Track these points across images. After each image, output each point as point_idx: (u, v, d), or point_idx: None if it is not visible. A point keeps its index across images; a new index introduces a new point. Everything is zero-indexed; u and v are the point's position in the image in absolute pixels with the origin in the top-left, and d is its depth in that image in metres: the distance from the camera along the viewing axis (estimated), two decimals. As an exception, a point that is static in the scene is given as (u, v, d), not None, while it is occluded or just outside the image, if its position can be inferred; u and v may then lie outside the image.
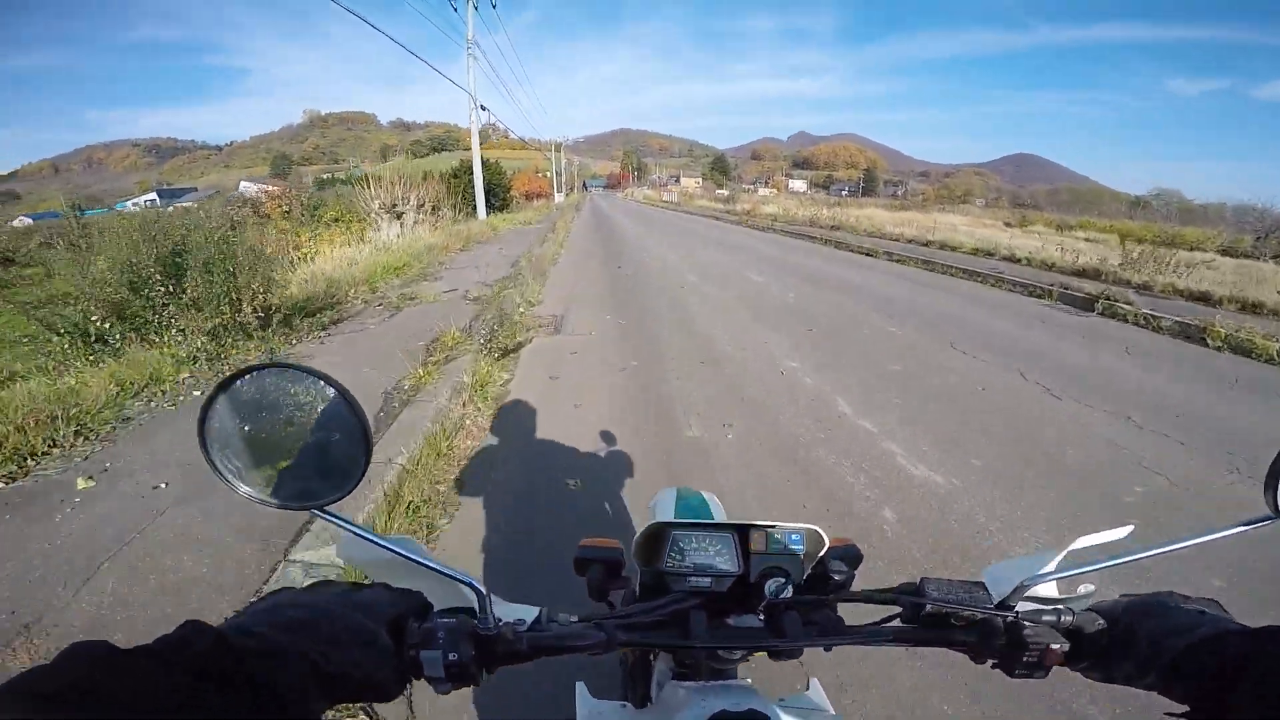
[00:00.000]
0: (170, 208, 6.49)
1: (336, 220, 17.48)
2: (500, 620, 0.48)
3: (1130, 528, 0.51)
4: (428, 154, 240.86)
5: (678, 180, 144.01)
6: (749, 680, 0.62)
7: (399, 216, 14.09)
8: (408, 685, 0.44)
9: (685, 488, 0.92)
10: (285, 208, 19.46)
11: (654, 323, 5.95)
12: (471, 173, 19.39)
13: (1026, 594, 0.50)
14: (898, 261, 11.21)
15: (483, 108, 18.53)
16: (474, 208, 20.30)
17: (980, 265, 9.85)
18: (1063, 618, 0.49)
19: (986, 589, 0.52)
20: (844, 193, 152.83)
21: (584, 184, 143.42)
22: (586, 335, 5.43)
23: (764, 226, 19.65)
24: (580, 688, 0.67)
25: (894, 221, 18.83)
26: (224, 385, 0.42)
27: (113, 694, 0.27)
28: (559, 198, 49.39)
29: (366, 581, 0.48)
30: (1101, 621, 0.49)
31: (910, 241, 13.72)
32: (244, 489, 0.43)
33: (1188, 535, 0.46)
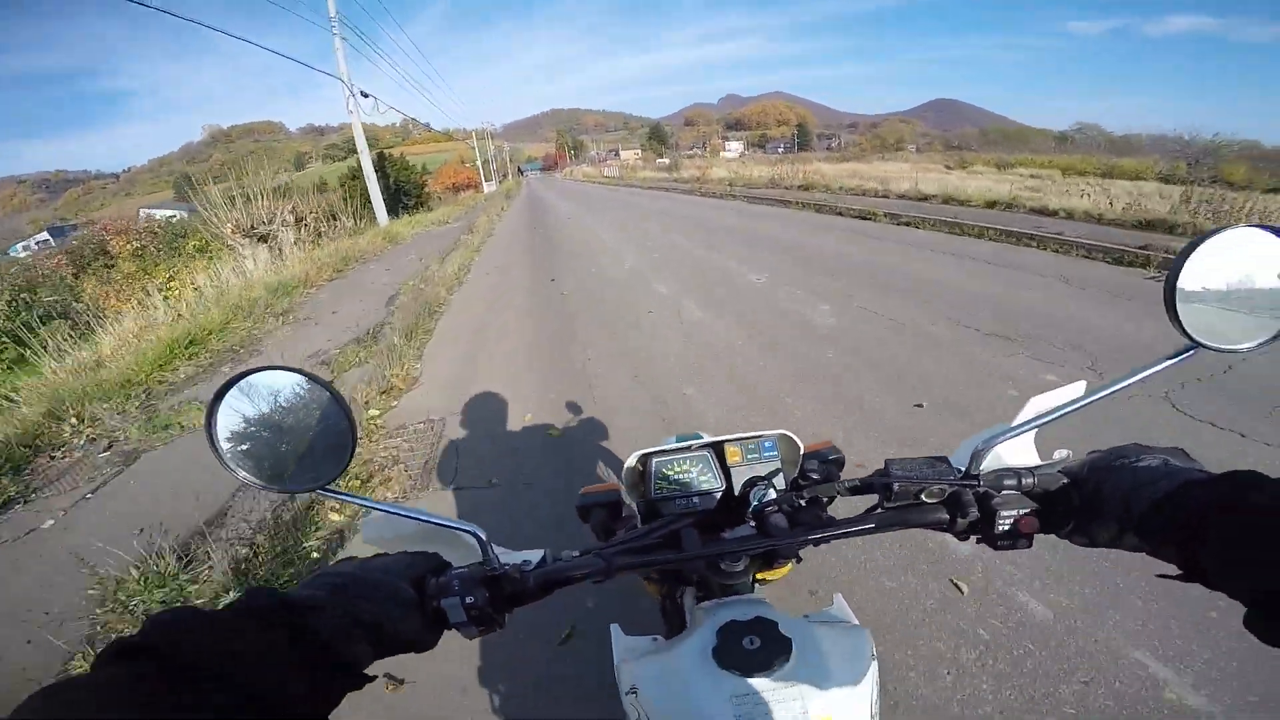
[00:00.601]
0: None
1: (201, 250, 14.24)
2: (506, 563, 0.53)
3: (1084, 384, 0.51)
4: (345, 157, 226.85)
5: (616, 154, 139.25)
6: (764, 599, 0.63)
7: (264, 240, 10.80)
8: (441, 635, 0.49)
9: (682, 433, 0.95)
10: (135, 245, 15.97)
11: (620, 438, 2.92)
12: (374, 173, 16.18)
13: (998, 468, 0.50)
14: (909, 225, 8.75)
15: (364, 93, 15.03)
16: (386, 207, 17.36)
17: (1022, 224, 7.49)
18: (1024, 479, 0.49)
19: (949, 463, 0.53)
20: (780, 150, 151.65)
21: (519, 169, 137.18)
22: (484, 489, 2.60)
23: (720, 194, 17.07)
24: (615, 629, 0.68)
25: (845, 174, 17.76)
26: (224, 389, 0.47)
27: (201, 646, 0.33)
28: (490, 187, 45.39)
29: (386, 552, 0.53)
30: (1066, 481, 0.48)
31: (902, 197, 11.38)
32: (252, 479, 0.48)
33: (1124, 376, 0.47)
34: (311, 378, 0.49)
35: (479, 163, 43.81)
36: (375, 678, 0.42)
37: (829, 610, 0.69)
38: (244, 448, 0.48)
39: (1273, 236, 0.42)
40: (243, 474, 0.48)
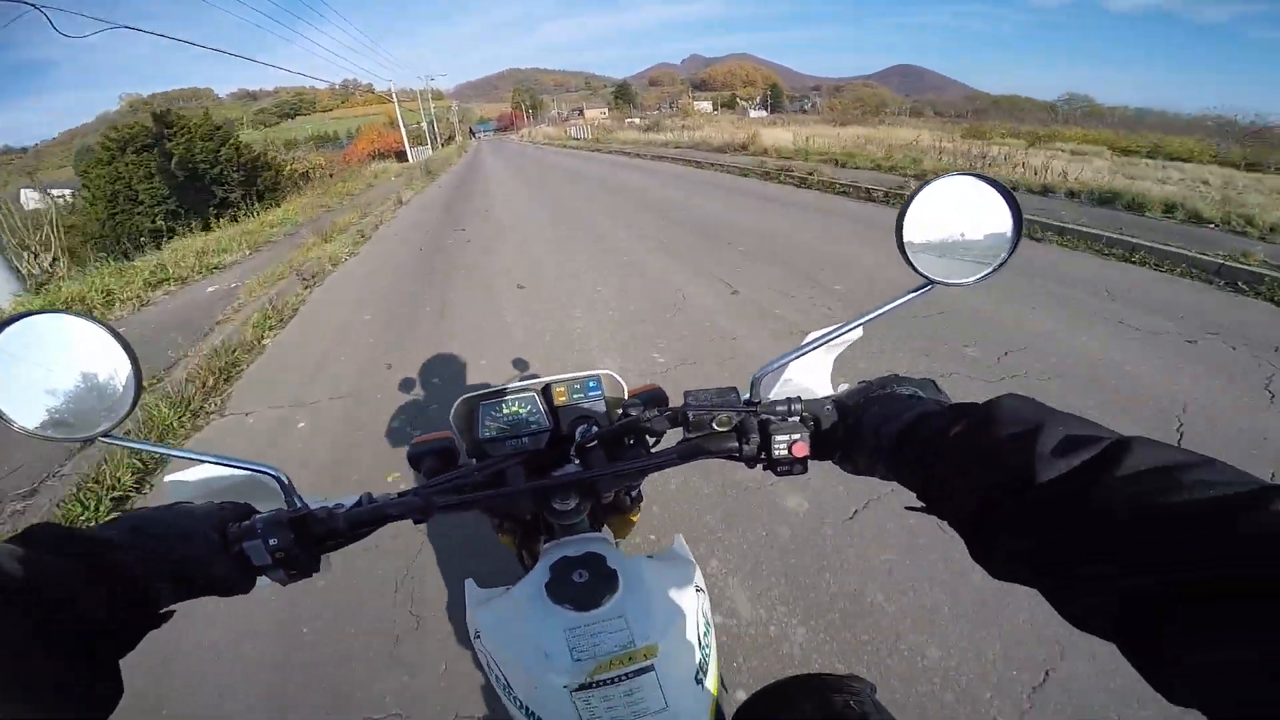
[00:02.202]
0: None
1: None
2: (315, 506, 0.51)
3: (849, 320, 0.54)
4: (277, 123, 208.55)
5: (580, 113, 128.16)
6: (604, 538, 0.64)
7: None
8: (254, 581, 0.47)
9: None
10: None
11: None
12: (151, 152, 11.63)
13: (783, 398, 0.53)
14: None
15: None
16: (168, 214, 12.43)
17: None
18: (793, 405, 0.51)
19: (737, 393, 0.55)
20: (751, 111, 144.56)
21: (470, 130, 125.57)
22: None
23: (764, 171, 10.54)
24: (469, 583, 0.67)
25: (854, 141, 15.26)
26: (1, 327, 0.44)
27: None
28: (420, 154, 36.77)
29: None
30: (833, 410, 0.51)
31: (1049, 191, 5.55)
32: (26, 425, 0.44)
33: (876, 308, 0.52)
34: (91, 319, 0.47)
35: (400, 124, 35.03)
36: (172, 614, 0.42)
37: (671, 549, 0.68)
38: (20, 393, 0.45)
39: (980, 183, 0.47)
40: (20, 423, 0.44)
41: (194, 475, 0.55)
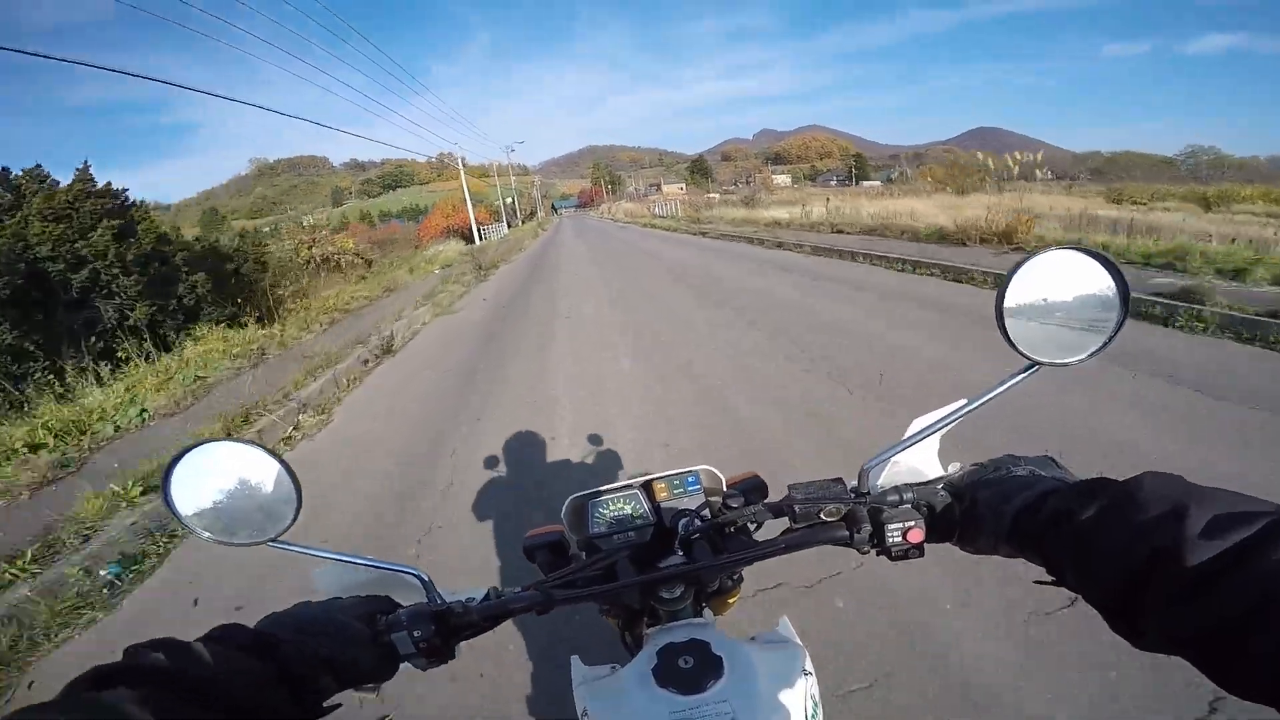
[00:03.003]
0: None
1: None
2: (450, 600, 0.57)
3: (964, 400, 0.53)
4: (380, 193, 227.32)
5: (658, 188, 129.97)
6: (707, 623, 0.66)
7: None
8: (396, 667, 0.53)
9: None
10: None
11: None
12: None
13: (891, 485, 0.54)
14: None
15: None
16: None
17: None
18: (904, 495, 0.52)
19: (844, 483, 0.57)
20: (833, 182, 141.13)
21: (553, 206, 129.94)
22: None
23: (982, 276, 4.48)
24: (575, 660, 0.71)
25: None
26: (179, 456, 0.51)
27: (188, 673, 0.35)
28: (496, 231, 34.79)
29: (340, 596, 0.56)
30: (947, 496, 0.52)
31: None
32: (208, 535, 0.52)
33: (984, 393, 0.51)
34: (256, 445, 0.54)
35: (466, 199, 31.03)
36: (339, 707, 0.45)
37: (775, 631, 0.71)
38: (200, 506, 0.52)
39: (1084, 257, 0.46)
40: (201, 531, 0.52)
41: (338, 567, 0.58)
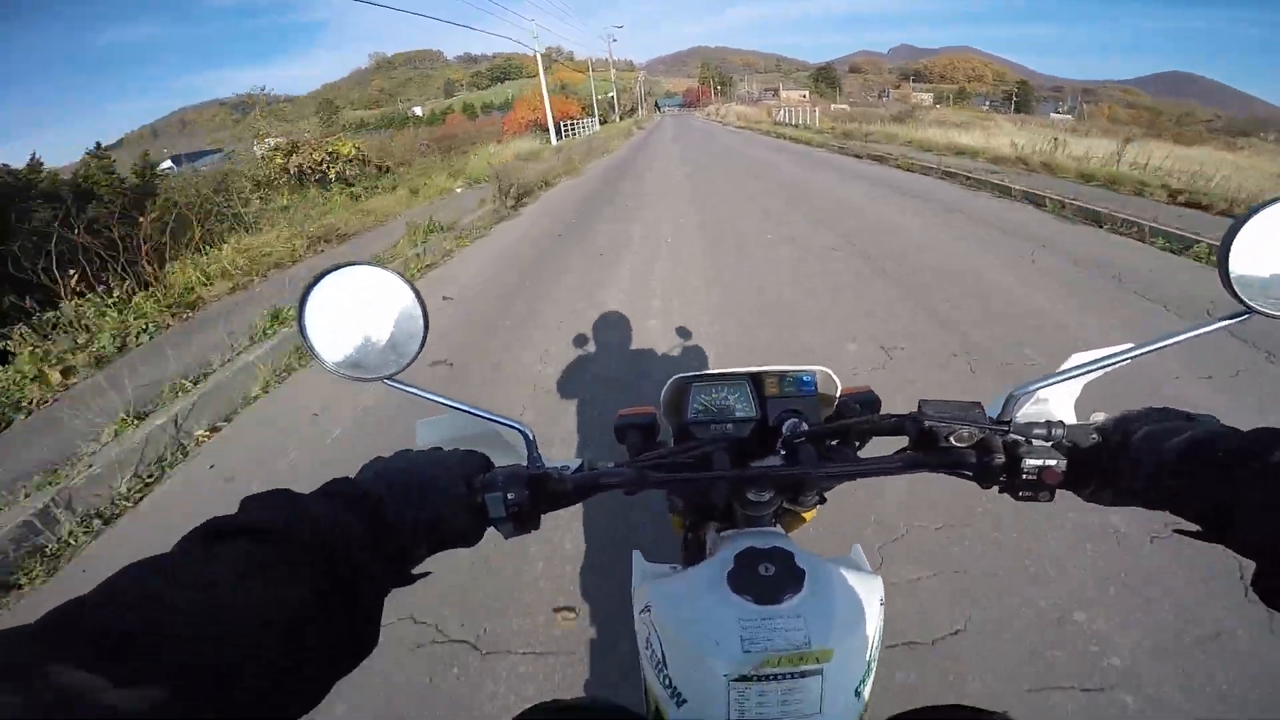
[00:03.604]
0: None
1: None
2: (549, 466, 0.54)
3: (1129, 344, 0.49)
4: (489, 85, 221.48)
5: (775, 93, 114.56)
6: (785, 533, 0.64)
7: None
8: (484, 532, 0.50)
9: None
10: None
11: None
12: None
13: (1031, 420, 0.50)
14: None
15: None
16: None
17: None
18: (1054, 430, 0.48)
19: (982, 409, 0.51)
20: (984, 106, 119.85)
21: (656, 104, 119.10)
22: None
23: None
24: (636, 555, 0.69)
25: None
26: (318, 279, 0.50)
27: (299, 526, 0.36)
28: (589, 126, 29.57)
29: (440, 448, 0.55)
30: (1096, 435, 0.48)
31: None
32: (331, 364, 0.52)
33: (1170, 334, 0.47)
34: (394, 272, 0.52)
35: (544, 91, 24.17)
36: (427, 574, 0.45)
37: (846, 558, 0.66)
38: (329, 336, 0.52)
39: None
40: (328, 362, 0.52)
41: (440, 420, 0.59)
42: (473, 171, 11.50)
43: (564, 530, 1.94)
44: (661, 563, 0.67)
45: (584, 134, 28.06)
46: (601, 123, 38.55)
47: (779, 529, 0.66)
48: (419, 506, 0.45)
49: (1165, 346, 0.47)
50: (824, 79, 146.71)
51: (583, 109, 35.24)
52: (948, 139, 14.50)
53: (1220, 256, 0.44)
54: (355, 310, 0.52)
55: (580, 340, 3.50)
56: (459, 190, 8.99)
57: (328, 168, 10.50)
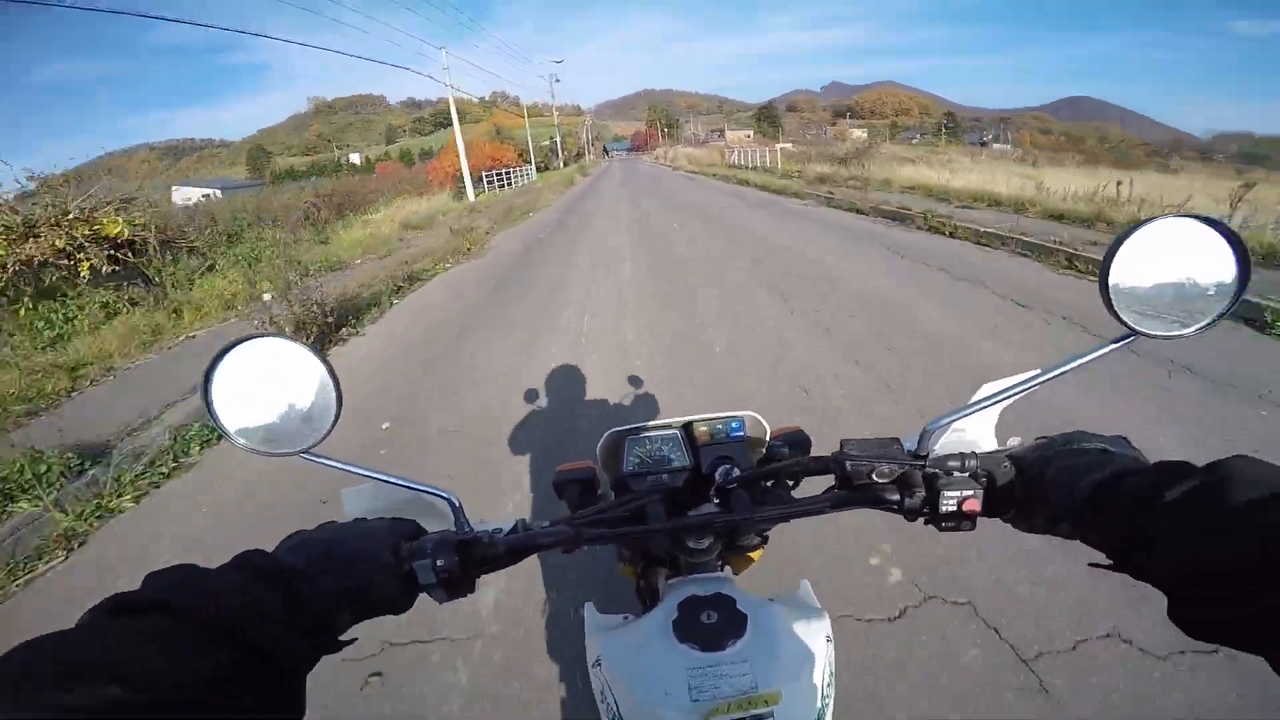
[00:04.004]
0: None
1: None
2: (478, 530, 0.54)
3: (1036, 370, 0.51)
4: (431, 131, 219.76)
5: (721, 134, 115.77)
6: (729, 578, 0.63)
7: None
8: (414, 599, 0.49)
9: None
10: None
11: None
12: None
13: (951, 451, 0.51)
14: None
15: None
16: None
17: None
18: (968, 461, 0.49)
19: (901, 444, 0.52)
20: (914, 140, 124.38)
21: (604, 148, 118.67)
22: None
23: None
24: (588, 607, 0.69)
25: None
26: (223, 353, 0.49)
27: (208, 602, 0.34)
28: (525, 176, 26.26)
29: (366, 518, 0.53)
30: (1010, 466, 0.49)
31: None
32: (241, 441, 0.50)
33: (1067, 360, 0.49)
34: (302, 344, 0.51)
35: (460, 145, 21.68)
36: (354, 641, 0.43)
37: (795, 594, 0.67)
38: (237, 411, 0.50)
39: (1201, 225, 0.43)
40: (239, 439, 0.50)
41: (365, 488, 0.57)
42: (325, 257, 7.90)
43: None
44: (615, 613, 0.67)
45: (521, 183, 24.93)
46: (542, 169, 35.64)
47: (726, 572, 0.66)
48: (343, 576, 0.43)
49: (1065, 372, 0.48)
50: (766, 118, 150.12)
51: (519, 156, 31.85)
52: (940, 181, 11.97)
53: (1101, 280, 0.45)
54: (265, 384, 0.50)
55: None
56: (268, 298, 5.41)
57: (77, 261, 6.67)
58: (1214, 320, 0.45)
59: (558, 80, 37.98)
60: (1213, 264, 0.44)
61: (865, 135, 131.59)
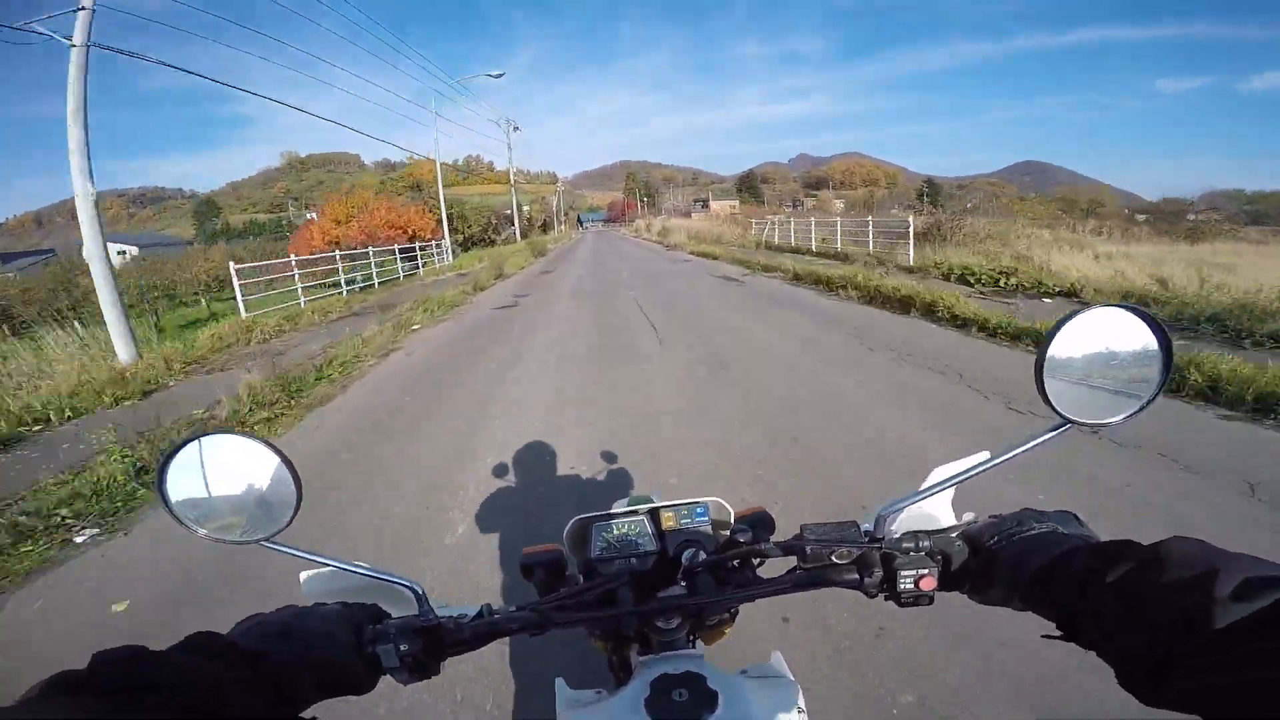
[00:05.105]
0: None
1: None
2: (443, 615, 0.54)
3: (986, 453, 0.53)
4: (403, 192, 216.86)
5: (705, 204, 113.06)
6: (700, 655, 0.64)
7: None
8: (378, 680, 0.49)
9: (634, 495, 0.94)
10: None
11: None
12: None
13: (905, 531, 0.53)
14: None
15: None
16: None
17: None
18: (922, 543, 0.51)
19: (858, 527, 0.55)
20: (894, 210, 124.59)
21: (578, 219, 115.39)
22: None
23: None
24: (559, 683, 0.69)
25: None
26: (178, 448, 0.50)
27: (157, 682, 0.33)
28: (437, 258, 17.73)
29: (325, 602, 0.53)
30: (963, 545, 0.51)
31: None
32: (202, 531, 0.51)
33: (1011, 448, 0.51)
34: (260, 440, 0.52)
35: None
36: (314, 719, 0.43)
37: (766, 665, 0.69)
38: (196, 502, 0.51)
39: (1128, 314, 0.46)
40: (197, 528, 0.50)
41: (326, 573, 0.56)
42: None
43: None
44: (585, 688, 0.67)
45: (435, 261, 18.01)
46: (485, 244, 29.04)
47: (696, 648, 0.66)
48: (303, 654, 0.43)
49: (1008, 460, 0.51)
50: (747, 187, 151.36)
51: (437, 225, 23.89)
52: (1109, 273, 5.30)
53: (1036, 373, 0.47)
54: (223, 475, 0.51)
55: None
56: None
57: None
58: (1142, 407, 0.47)
59: (516, 129, 32.22)
60: (1140, 352, 0.46)
61: (843, 205, 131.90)
